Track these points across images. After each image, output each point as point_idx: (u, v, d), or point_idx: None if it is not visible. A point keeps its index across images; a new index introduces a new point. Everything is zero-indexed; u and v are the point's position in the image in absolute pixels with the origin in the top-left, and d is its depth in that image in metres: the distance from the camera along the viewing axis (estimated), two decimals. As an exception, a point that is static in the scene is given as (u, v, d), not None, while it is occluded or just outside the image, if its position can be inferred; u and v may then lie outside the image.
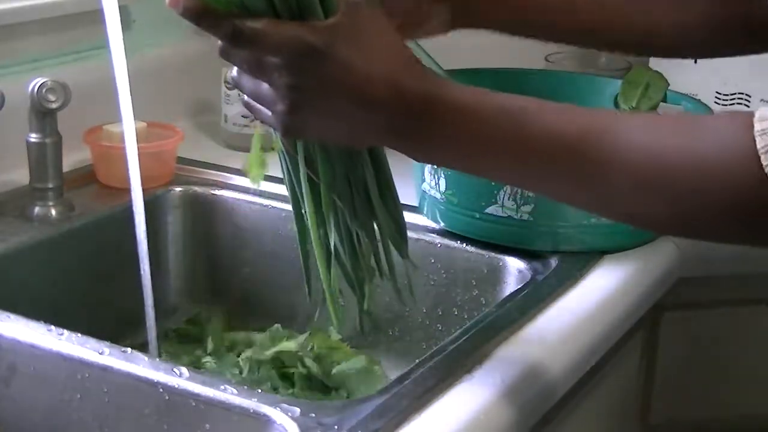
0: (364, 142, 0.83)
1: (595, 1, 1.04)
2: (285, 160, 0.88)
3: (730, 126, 0.71)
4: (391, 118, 0.78)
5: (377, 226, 0.90)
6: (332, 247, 0.89)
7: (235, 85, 0.83)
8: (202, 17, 0.76)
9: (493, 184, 1.12)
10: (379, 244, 0.92)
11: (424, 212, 1.22)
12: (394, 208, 0.91)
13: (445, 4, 1.00)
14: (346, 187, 0.87)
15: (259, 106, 0.81)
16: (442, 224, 1.20)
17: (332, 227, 0.88)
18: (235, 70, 0.82)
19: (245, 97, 0.82)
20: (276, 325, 1.20)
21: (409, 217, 1.21)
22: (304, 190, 0.87)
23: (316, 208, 0.88)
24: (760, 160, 0.68)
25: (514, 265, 1.15)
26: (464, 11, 1.01)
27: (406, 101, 0.77)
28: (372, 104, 0.77)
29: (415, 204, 1.23)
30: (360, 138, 0.81)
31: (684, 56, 1.19)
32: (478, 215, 1.15)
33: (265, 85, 0.79)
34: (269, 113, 0.80)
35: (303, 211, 0.90)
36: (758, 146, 0.68)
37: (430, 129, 0.78)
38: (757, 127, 0.69)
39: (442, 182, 1.17)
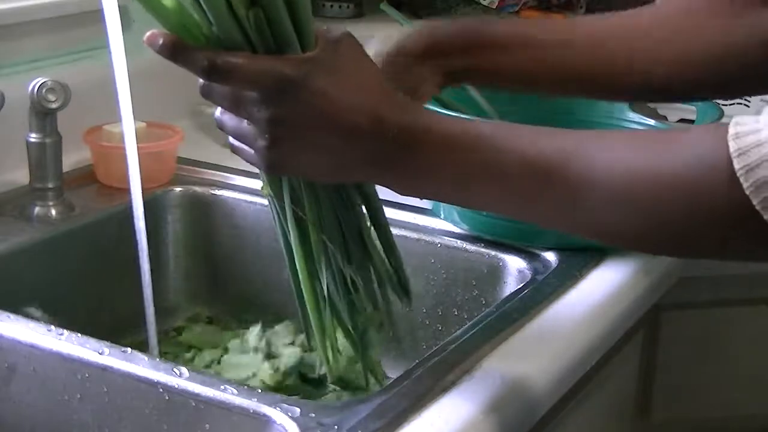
0: (346, 175, 0.81)
1: (593, 43, 1.01)
2: (274, 203, 0.87)
3: (706, 137, 0.70)
4: (371, 150, 0.77)
5: (374, 271, 0.90)
6: (325, 292, 0.88)
7: (219, 126, 0.82)
8: (178, 53, 0.76)
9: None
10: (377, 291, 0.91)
11: (435, 209, 1.23)
12: (391, 252, 0.90)
13: (435, 63, 0.99)
14: (337, 227, 0.86)
15: (242, 145, 0.80)
16: (450, 221, 1.20)
17: (323, 271, 0.87)
18: (218, 111, 0.82)
19: (230, 139, 0.82)
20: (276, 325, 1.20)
21: (409, 217, 1.23)
22: (292, 233, 0.86)
23: (305, 253, 0.87)
24: (732, 164, 0.66)
25: (514, 265, 1.15)
26: (458, 70, 1.00)
27: (387, 132, 0.77)
28: (352, 134, 0.77)
29: (421, 206, 1.24)
30: (341, 171, 0.80)
31: (682, 98, 1.15)
32: (485, 212, 1.15)
33: (245, 123, 0.78)
34: (252, 151, 0.79)
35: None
36: (731, 150, 0.67)
37: (411, 158, 0.78)
38: (732, 131, 0.68)
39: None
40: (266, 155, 0.78)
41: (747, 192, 0.66)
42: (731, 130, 0.67)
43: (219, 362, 1.17)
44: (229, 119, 0.80)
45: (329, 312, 0.90)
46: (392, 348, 1.23)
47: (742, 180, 0.66)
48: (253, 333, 1.18)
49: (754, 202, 0.65)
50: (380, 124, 0.77)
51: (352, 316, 0.91)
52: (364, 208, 0.88)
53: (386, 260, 0.90)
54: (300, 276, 0.89)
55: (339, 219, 0.86)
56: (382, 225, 0.90)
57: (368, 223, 0.88)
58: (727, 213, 0.68)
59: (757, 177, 0.65)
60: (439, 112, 0.83)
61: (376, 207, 0.89)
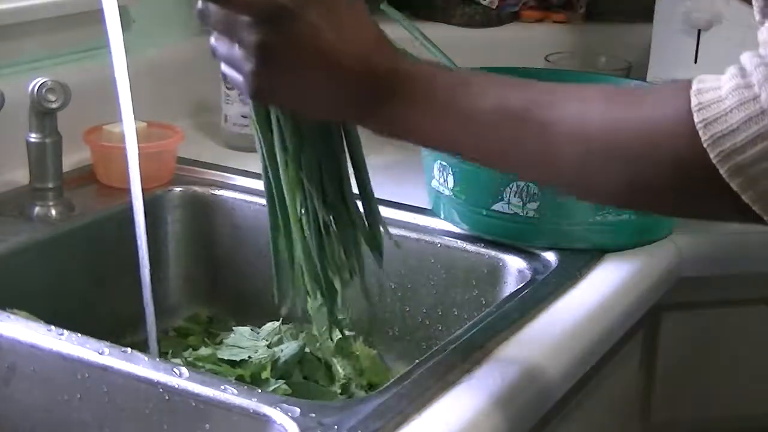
0: (328, 111, 0.83)
1: None
2: (259, 138, 0.89)
3: (671, 91, 0.71)
4: (356, 89, 0.79)
5: (348, 218, 0.90)
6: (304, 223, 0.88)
7: (212, 53, 0.84)
8: None
9: (499, 181, 1.13)
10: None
11: (435, 209, 1.23)
12: (368, 203, 0.91)
13: None
14: (316, 167, 0.87)
15: (231, 71, 0.82)
16: (450, 221, 1.20)
17: (297, 208, 0.88)
18: (212, 38, 0.83)
19: (222, 66, 0.83)
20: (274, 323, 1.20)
21: (409, 217, 1.23)
22: (270, 168, 0.88)
23: (282, 189, 0.88)
24: (693, 118, 0.68)
25: (514, 265, 1.15)
26: None
27: (373, 74, 0.79)
28: (338, 72, 0.78)
29: (421, 206, 1.24)
30: (323, 107, 0.82)
31: None
32: (485, 212, 1.16)
33: (237, 48, 0.80)
34: (240, 77, 0.81)
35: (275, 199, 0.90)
36: (692, 105, 0.68)
37: (395, 102, 0.79)
38: (694, 87, 0.69)
39: (450, 179, 1.17)
40: (252, 80, 0.80)
41: (704, 145, 0.67)
42: (694, 86, 0.69)
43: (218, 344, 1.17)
44: (221, 45, 0.82)
45: (300, 250, 0.90)
46: (393, 348, 1.23)
47: (700, 134, 0.68)
48: (266, 329, 1.18)
49: (711, 156, 0.67)
50: (368, 65, 0.78)
51: (322, 259, 0.91)
52: (348, 156, 0.89)
53: (363, 211, 0.91)
54: (277, 212, 0.90)
55: (319, 159, 0.87)
56: (363, 176, 0.90)
57: (348, 170, 0.88)
58: (688, 166, 0.69)
59: (714, 131, 0.67)
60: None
61: (358, 157, 0.89)
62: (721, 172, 0.67)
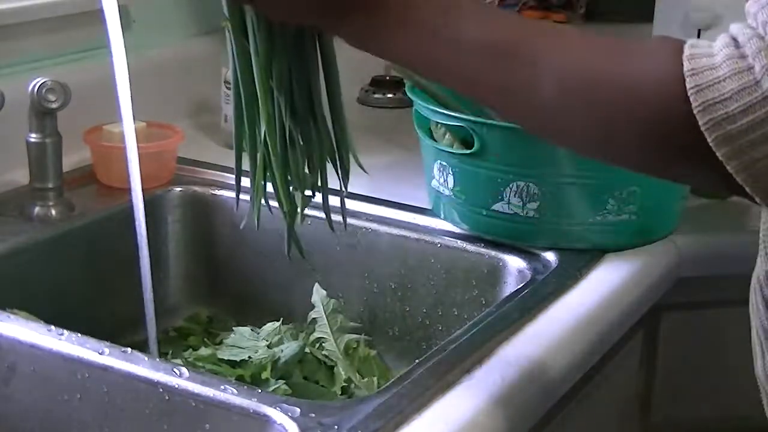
0: (301, 16, 0.81)
1: None
2: (231, 38, 0.87)
3: (661, 48, 0.71)
4: None
5: (315, 134, 0.89)
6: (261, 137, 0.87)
7: None
8: None
9: (499, 181, 1.13)
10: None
11: (435, 209, 1.23)
12: (337, 120, 0.89)
13: None
14: (286, 77, 0.86)
15: None
16: (450, 221, 1.20)
17: (264, 107, 0.87)
18: None
19: None
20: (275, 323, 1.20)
21: (409, 217, 1.23)
22: (239, 70, 0.86)
23: (251, 93, 0.87)
24: (684, 82, 0.68)
25: (514, 265, 1.15)
26: None
27: None
28: None
29: (421, 206, 1.24)
30: (296, 12, 0.80)
31: None
32: (485, 212, 1.16)
33: None
34: None
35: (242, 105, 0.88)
36: (685, 69, 0.68)
37: (370, 15, 0.78)
38: (687, 52, 0.69)
39: (450, 179, 1.17)
40: None
41: (695, 111, 0.67)
42: (686, 51, 0.69)
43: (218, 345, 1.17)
44: None
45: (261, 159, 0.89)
46: (393, 348, 1.23)
47: (692, 99, 0.68)
48: (266, 329, 1.18)
49: (701, 122, 0.67)
50: None
51: (284, 173, 0.89)
52: (321, 72, 0.87)
53: (331, 129, 0.90)
54: (244, 117, 0.88)
55: (290, 69, 0.86)
56: (334, 91, 0.89)
57: (320, 86, 0.87)
58: (672, 128, 0.69)
59: (706, 98, 0.67)
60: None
61: (332, 74, 0.88)
62: (709, 140, 0.67)
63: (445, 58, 0.78)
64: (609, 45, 0.75)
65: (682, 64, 0.68)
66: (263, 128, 0.87)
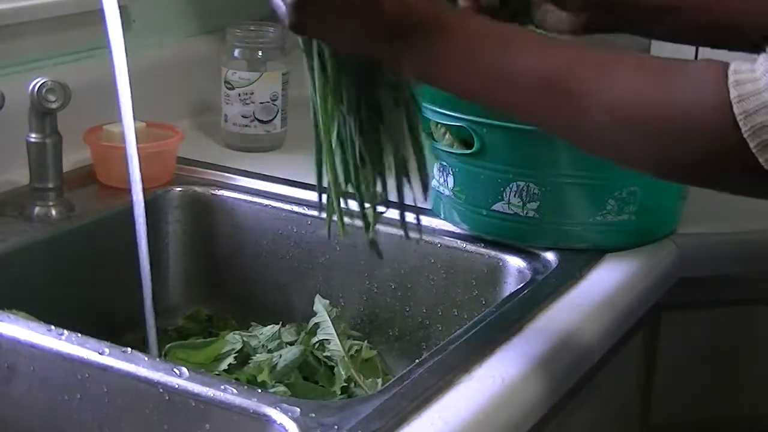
0: (362, 50, 0.85)
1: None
2: (306, 61, 0.90)
3: (707, 74, 0.75)
4: (391, 30, 0.81)
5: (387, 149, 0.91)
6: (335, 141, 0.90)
7: None
8: None
9: (499, 181, 1.13)
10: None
11: (435, 209, 1.23)
12: (416, 143, 0.92)
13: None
14: (354, 96, 0.89)
15: (277, 1, 0.84)
16: (450, 221, 1.20)
17: (335, 128, 0.90)
18: None
19: None
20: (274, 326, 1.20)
21: (409, 216, 1.23)
22: (316, 84, 0.90)
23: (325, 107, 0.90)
24: (732, 109, 0.72)
25: (514, 265, 1.15)
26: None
27: (409, 16, 0.81)
28: (374, 13, 0.81)
29: (421, 206, 1.24)
30: (358, 46, 0.84)
31: None
32: (485, 212, 1.16)
33: None
34: (282, 8, 0.83)
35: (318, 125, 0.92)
36: (731, 96, 0.72)
37: (428, 49, 0.82)
38: (732, 78, 0.73)
39: (450, 179, 1.17)
40: (290, 13, 0.82)
41: (745, 135, 0.72)
42: (731, 78, 0.73)
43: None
44: None
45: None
46: (393, 348, 1.23)
47: (741, 124, 0.72)
48: (262, 333, 1.18)
49: (751, 145, 0.72)
50: (404, 8, 0.81)
51: (358, 188, 0.92)
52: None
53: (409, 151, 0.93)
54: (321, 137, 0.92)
55: (357, 91, 0.89)
56: (411, 116, 0.91)
57: (391, 107, 0.90)
58: (726, 152, 0.74)
59: (755, 122, 0.72)
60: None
61: (406, 98, 0.91)
62: (761, 161, 0.72)
63: (493, 94, 0.83)
64: (657, 70, 0.79)
65: (728, 91, 0.73)
66: (332, 146, 0.91)
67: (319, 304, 1.18)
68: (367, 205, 0.93)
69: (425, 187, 0.93)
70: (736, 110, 0.72)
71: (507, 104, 0.84)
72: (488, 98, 0.84)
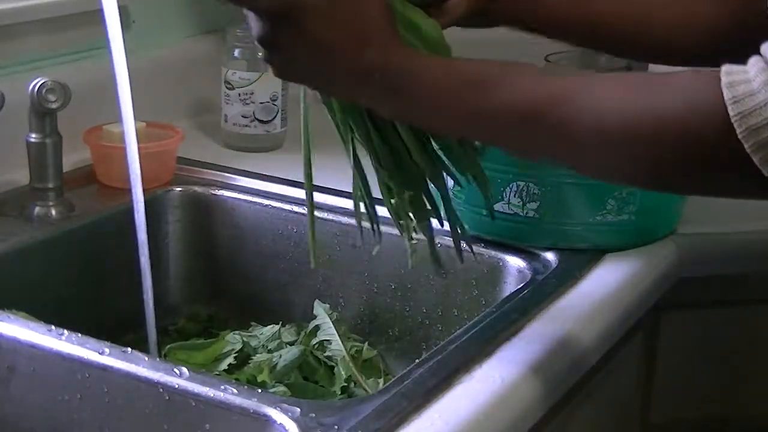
0: (341, 94, 0.87)
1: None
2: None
3: (697, 81, 0.75)
4: (362, 84, 0.81)
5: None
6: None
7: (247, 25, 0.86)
8: None
9: (499, 181, 1.13)
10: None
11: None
12: (434, 176, 0.94)
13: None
14: (363, 126, 0.89)
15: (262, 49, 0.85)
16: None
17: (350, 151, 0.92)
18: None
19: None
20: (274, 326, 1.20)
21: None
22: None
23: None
24: (727, 110, 0.71)
25: (514, 265, 1.15)
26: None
27: (373, 71, 0.80)
28: (335, 65, 0.81)
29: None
30: (335, 91, 0.86)
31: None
32: (484, 212, 1.15)
33: (263, 28, 0.82)
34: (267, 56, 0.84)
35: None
36: (726, 98, 0.72)
37: (397, 98, 0.82)
38: (725, 80, 0.72)
39: (450, 179, 1.17)
40: (271, 63, 0.84)
41: (740, 137, 0.71)
42: (724, 79, 0.72)
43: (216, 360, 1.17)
44: (252, 19, 0.84)
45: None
46: (393, 348, 1.23)
47: (736, 126, 0.71)
48: (262, 333, 1.18)
49: (746, 146, 0.71)
50: (385, 61, 0.81)
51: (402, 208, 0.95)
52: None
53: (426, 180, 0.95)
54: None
55: (366, 124, 0.90)
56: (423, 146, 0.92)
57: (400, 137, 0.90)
58: (721, 155, 0.73)
59: (750, 124, 0.71)
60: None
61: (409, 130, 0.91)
62: (755, 161, 0.71)
63: (473, 132, 0.85)
64: (640, 81, 0.78)
65: (722, 93, 0.72)
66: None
67: (320, 308, 1.18)
68: (415, 221, 0.96)
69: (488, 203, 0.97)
70: (731, 111, 0.71)
71: (495, 142, 0.85)
72: (472, 137, 0.87)
